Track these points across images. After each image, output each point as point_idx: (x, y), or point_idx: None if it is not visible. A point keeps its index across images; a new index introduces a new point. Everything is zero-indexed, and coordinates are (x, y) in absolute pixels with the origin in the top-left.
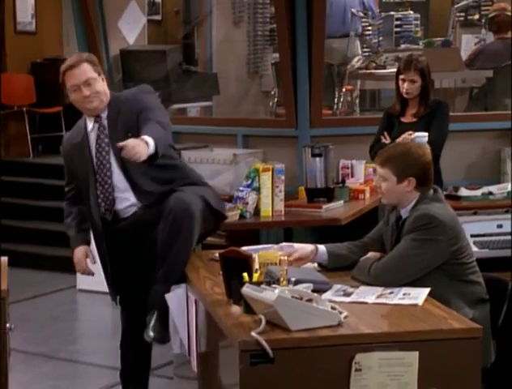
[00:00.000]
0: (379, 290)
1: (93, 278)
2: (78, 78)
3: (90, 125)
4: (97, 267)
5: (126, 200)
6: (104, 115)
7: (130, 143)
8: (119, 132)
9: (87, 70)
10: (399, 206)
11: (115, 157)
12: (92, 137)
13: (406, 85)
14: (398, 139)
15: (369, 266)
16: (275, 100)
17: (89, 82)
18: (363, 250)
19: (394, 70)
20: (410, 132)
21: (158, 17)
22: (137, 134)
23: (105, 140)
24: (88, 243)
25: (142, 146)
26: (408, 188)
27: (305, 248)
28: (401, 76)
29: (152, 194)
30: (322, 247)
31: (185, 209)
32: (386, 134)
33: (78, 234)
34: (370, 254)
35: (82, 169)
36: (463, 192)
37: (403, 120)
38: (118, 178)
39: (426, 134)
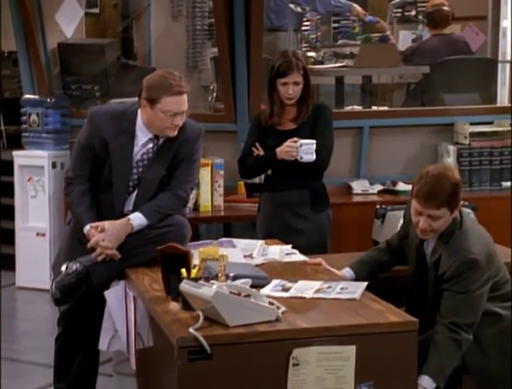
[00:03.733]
0: (317, 285)
1: (32, 275)
2: (182, 105)
3: (142, 136)
4: (37, 264)
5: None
6: (162, 139)
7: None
8: (160, 166)
9: (186, 101)
10: None
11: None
12: (139, 148)
13: (290, 89)
14: (281, 148)
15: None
16: (214, 94)
17: (184, 113)
18: (388, 251)
19: (333, 65)
20: (295, 139)
21: (96, 10)
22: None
23: (146, 163)
24: None
25: (117, 236)
26: (455, 214)
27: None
28: (282, 80)
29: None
30: (346, 270)
31: (183, 235)
32: (257, 145)
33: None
34: None
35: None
36: (401, 186)
37: (280, 128)
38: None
39: (314, 141)
